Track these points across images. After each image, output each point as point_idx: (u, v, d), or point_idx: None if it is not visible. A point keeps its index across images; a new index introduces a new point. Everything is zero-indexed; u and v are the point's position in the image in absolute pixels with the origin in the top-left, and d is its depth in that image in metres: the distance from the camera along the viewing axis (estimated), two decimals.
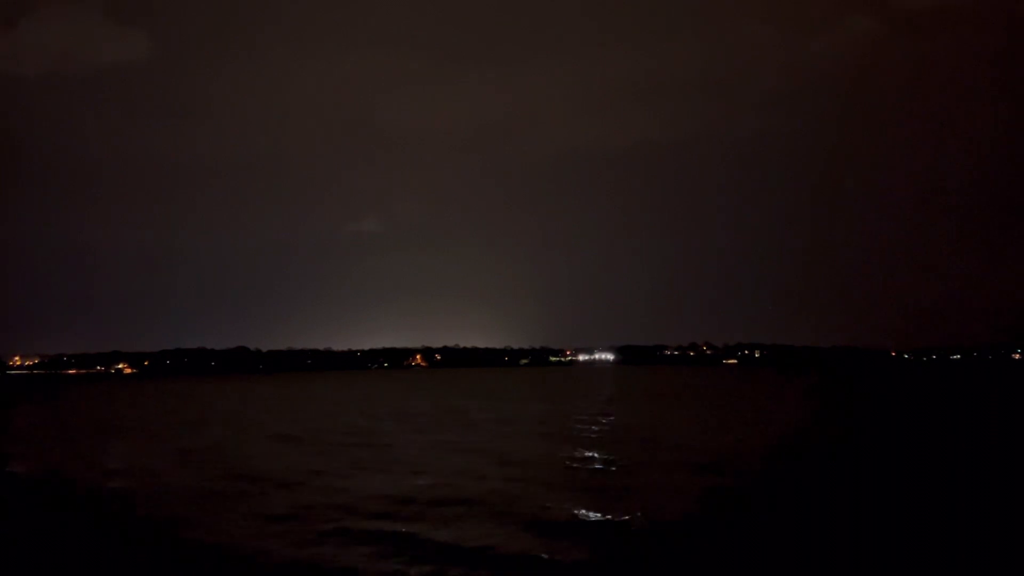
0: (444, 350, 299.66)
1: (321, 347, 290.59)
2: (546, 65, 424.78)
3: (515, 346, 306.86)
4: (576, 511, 16.68)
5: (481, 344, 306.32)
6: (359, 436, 34.39)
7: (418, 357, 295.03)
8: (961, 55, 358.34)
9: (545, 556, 13.21)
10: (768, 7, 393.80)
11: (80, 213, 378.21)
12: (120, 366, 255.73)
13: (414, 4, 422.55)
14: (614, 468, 22.91)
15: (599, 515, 16.15)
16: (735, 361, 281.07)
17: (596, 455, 25.68)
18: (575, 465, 23.52)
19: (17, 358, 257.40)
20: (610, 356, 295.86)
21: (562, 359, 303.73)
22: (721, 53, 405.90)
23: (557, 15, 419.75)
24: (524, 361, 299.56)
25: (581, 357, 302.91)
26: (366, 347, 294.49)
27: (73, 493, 20.79)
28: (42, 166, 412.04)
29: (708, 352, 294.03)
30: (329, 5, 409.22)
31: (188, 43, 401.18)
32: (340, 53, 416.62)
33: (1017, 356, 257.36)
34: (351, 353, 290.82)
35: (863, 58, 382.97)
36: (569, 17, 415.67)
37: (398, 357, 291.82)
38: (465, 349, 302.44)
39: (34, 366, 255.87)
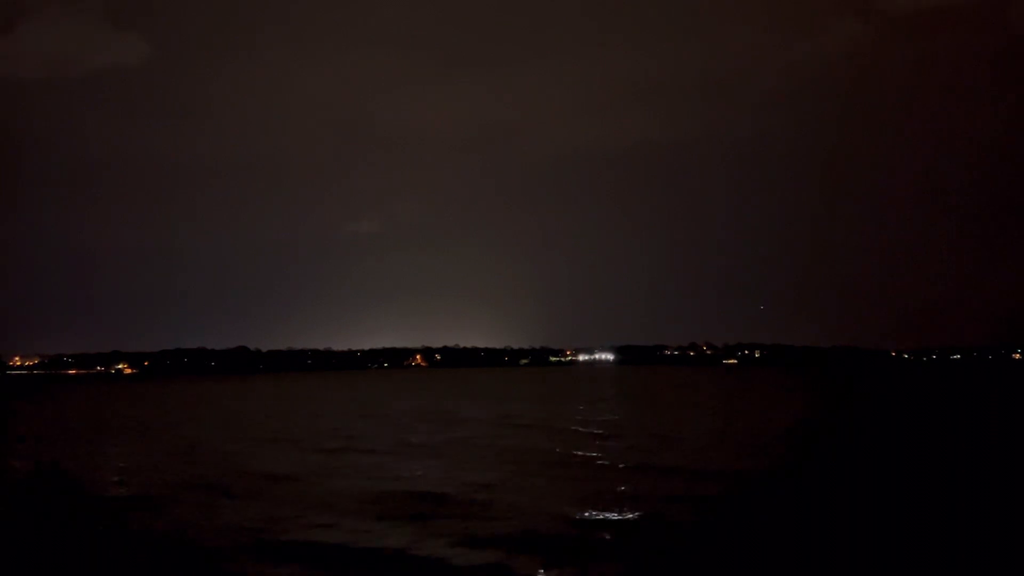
0: (444, 350, 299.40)
1: (321, 347, 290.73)
2: (546, 65, 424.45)
3: (515, 346, 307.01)
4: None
5: (481, 344, 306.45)
6: (333, 441, 34.36)
7: (418, 357, 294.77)
8: (961, 55, 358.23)
9: None
10: (768, 7, 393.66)
11: (80, 213, 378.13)
12: (120, 366, 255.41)
13: (414, 4, 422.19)
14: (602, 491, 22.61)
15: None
16: (735, 361, 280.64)
17: (584, 474, 24.06)
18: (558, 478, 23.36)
19: (17, 358, 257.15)
20: (610, 356, 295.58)
21: (562, 359, 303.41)
22: (721, 53, 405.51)
23: (557, 15, 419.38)
24: (524, 361, 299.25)
25: (581, 357, 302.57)
26: (366, 347, 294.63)
27: (71, 494, 20.77)
28: (42, 167, 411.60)
29: (708, 352, 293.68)
30: (329, 5, 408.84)
31: (187, 44, 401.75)
32: (340, 53, 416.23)
33: (1017, 356, 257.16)
34: (351, 353, 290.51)
35: (863, 59, 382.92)
36: (569, 17, 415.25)
37: (398, 357, 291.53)
38: (465, 349, 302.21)
39: (34, 366, 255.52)
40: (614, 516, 16.23)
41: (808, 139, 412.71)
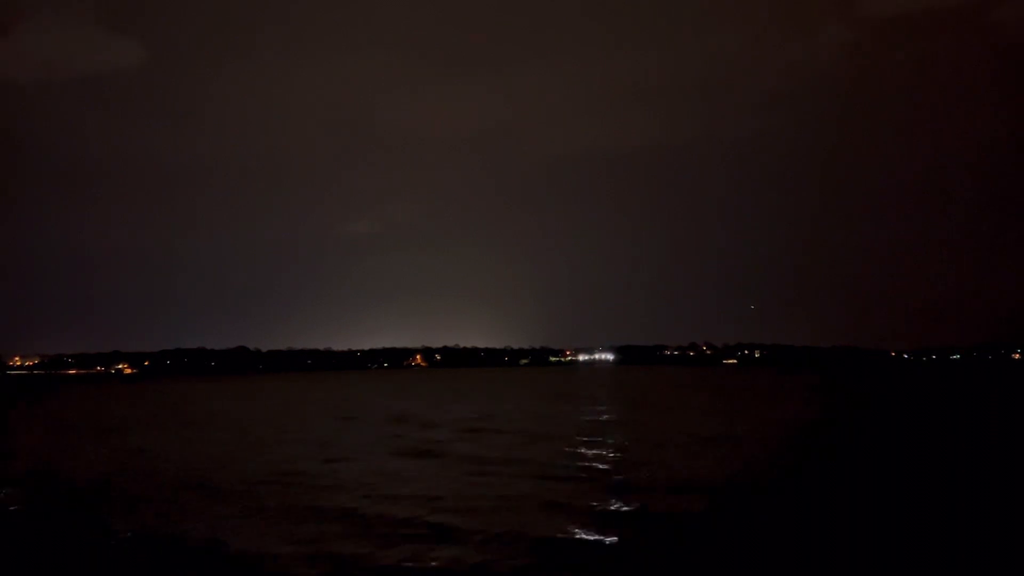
0: (444, 350, 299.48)
1: (321, 347, 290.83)
2: (546, 66, 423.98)
3: (515, 346, 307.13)
4: None
5: (481, 344, 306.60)
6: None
7: (418, 357, 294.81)
8: (960, 55, 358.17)
9: None
10: (768, 8, 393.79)
11: (80, 214, 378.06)
12: (120, 366, 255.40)
13: (414, 4, 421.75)
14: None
15: None
16: (735, 361, 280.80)
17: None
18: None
19: (17, 358, 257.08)
20: (610, 356, 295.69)
21: (562, 359, 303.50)
22: (721, 53, 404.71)
23: (557, 16, 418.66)
24: (524, 361, 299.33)
25: (581, 357, 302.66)
26: (366, 347, 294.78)
27: (70, 493, 20.77)
28: (42, 168, 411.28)
29: (708, 352, 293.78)
30: (329, 5, 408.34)
31: (185, 46, 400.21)
32: (340, 53, 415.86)
33: (1017, 356, 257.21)
34: (351, 353, 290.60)
35: (863, 59, 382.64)
36: (569, 18, 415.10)
37: (398, 357, 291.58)
38: (465, 349, 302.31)
39: (34, 366, 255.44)
40: (602, 522, 16.23)
41: (808, 139, 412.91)
